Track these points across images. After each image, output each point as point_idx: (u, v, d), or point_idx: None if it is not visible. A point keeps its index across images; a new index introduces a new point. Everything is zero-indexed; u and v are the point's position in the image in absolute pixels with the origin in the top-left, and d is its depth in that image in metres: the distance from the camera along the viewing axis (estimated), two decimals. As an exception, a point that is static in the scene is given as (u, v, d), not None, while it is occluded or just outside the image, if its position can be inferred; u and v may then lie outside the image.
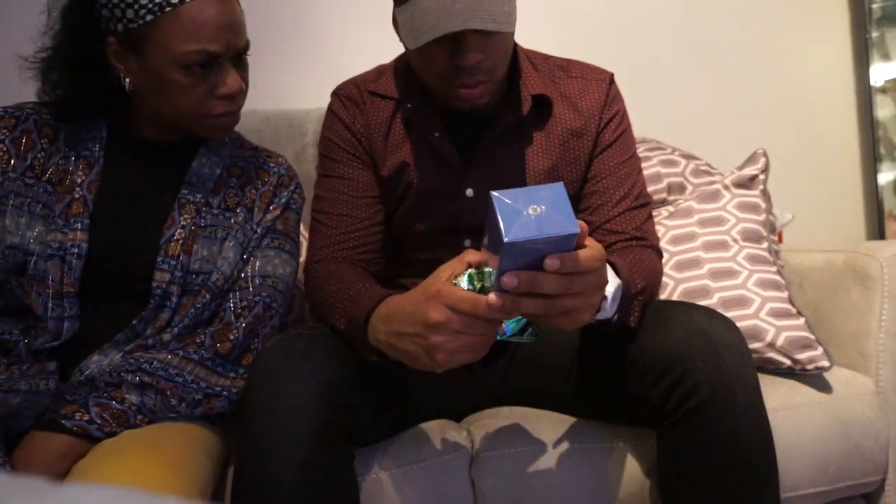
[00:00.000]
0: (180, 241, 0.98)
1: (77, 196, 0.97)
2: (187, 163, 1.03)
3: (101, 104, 1.01)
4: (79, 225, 0.95)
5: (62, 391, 0.92)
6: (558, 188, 0.65)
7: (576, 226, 0.64)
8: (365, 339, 0.83)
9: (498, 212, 0.64)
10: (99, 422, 0.88)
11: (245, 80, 0.99)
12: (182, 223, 0.99)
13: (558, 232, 0.63)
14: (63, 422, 0.87)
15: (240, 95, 0.99)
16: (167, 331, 0.97)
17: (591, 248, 0.68)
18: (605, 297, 0.78)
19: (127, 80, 0.96)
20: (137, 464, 0.79)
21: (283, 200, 1.08)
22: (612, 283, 0.80)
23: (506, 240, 0.63)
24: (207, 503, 0.86)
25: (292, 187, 1.10)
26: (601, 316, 0.80)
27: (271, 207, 1.06)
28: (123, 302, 0.97)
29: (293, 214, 1.10)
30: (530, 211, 0.64)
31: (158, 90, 0.95)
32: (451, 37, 0.88)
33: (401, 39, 0.98)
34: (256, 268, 1.02)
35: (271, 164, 1.10)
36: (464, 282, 0.73)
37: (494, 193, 0.65)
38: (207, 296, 0.99)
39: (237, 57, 0.97)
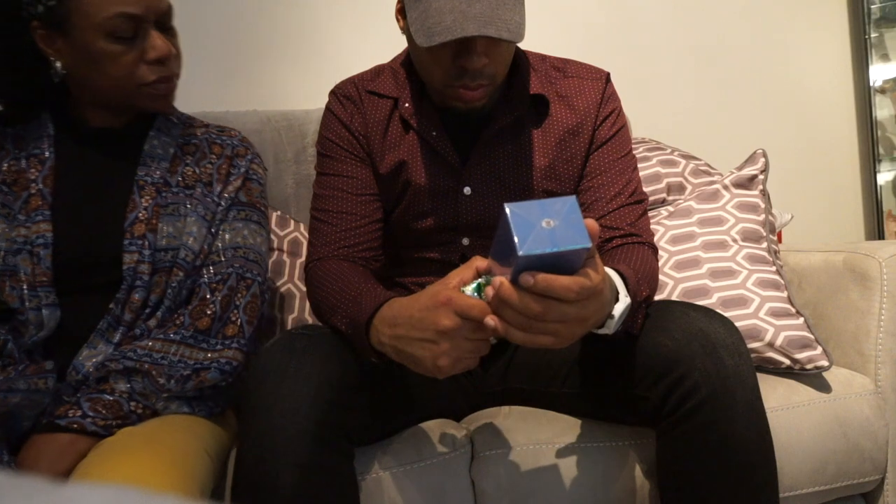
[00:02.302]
0: (144, 222, 0.99)
1: (34, 191, 0.98)
2: (139, 146, 1.04)
3: (42, 102, 1.02)
4: (40, 217, 0.97)
5: (59, 392, 0.93)
6: (571, 202, 0.65)
7: (588, 240, 0.64)
8: (366, 341, 0.83)
9: (512, 225, 0.63)
10: (92, 415, 0.89)
11: (175, 46, 1.00)
12: (144, 205, 1.00)
13: (572, 246, 0.63)
14: (59, 422, 0.88)
15: (171, 60, 0.99)
16: (146, 313, 0.98)
17: (573, 281, 0.66)
18: (611, 316, 0.78)
19: (58, 64, 0.97)
20: (136, 462, 0.79)
21: (242, 170, 1.08)
22: (622, 303, 0.79)
23: (520, 253, 0.62)
24: (206, 501, 0.86)
25: (249, 157, 1.11)
26: (603, 331, 0.79)
27: (231, 179, 1.07)
28: (103, 293, 0.97)
29: (256, 185, 1.10)
30: (544, 224, 0.63)
31: (90, 65, 0.96)
32: (459, 38, 0.88)
33: (407, 31, 0.97)
34: (227, 240, 1.04)
35: (224, 138, 1.11)
36: (470, 290, 0.74)
37: (508, 206, 0.64)
38: (181, 273, 1.00)
39: (162, 23, 0.98)
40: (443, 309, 0.73)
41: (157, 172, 1.03)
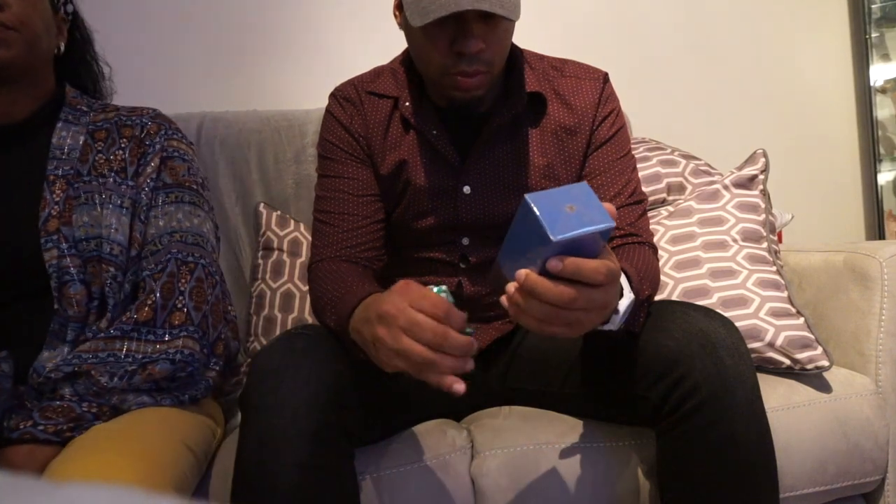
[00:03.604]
0: (57, 216, 0.97)
1: None
2: (48, 140, 1.01)
3: None
4: None
5: (21, 396, 0.92)
6: (584, 187, 0.66)
7: (611, 219, 0.64)
8: (347, 333, 0.83)
9: (539, 213, 0.63)
10: (42, 422, 0.87)
11: (15, 12, 0.93)
12: (56, 199, 0.98)
13: (599, 226, 0.64)
14: (12, 435, 0.87)
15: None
16: (94, 306, 0.96)
17: (601, 263, 0.67)
18: (616, 311, 0.78)
19: None
20: (103, 458, 0.79)
21: (157, 148, 1.04)
22: (627, 298, 0.80)
23: (554, 239, 0.62)
24: (185, 493, 0.85)
25: (163, 133, 1.06)
26: (607, 327, 0.80)
27: (148, 159, 1.03)
28: (45, 296, 0.96)
29: (179, 162, 1.06)
30: (567, 209, 0.64)
31: None
32: (455, 22, 0.89)
33: (405, 25, 0.97)
34: (161, 227, 1.01)
35: (133, 118, 1.07)
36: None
37: (529, 196, 0.64)
38: (111, 268, 0.97)
39: None
40: (394, 295, 0.73)
41: (68, 164, 1.00)
